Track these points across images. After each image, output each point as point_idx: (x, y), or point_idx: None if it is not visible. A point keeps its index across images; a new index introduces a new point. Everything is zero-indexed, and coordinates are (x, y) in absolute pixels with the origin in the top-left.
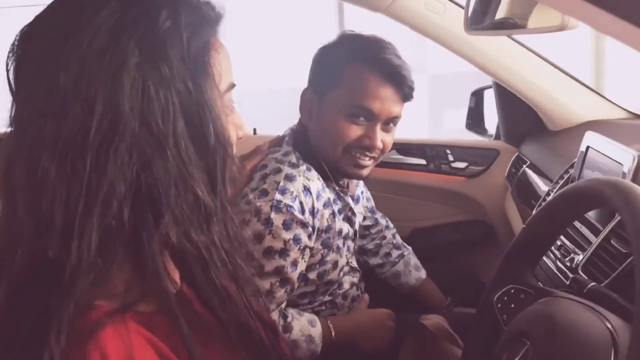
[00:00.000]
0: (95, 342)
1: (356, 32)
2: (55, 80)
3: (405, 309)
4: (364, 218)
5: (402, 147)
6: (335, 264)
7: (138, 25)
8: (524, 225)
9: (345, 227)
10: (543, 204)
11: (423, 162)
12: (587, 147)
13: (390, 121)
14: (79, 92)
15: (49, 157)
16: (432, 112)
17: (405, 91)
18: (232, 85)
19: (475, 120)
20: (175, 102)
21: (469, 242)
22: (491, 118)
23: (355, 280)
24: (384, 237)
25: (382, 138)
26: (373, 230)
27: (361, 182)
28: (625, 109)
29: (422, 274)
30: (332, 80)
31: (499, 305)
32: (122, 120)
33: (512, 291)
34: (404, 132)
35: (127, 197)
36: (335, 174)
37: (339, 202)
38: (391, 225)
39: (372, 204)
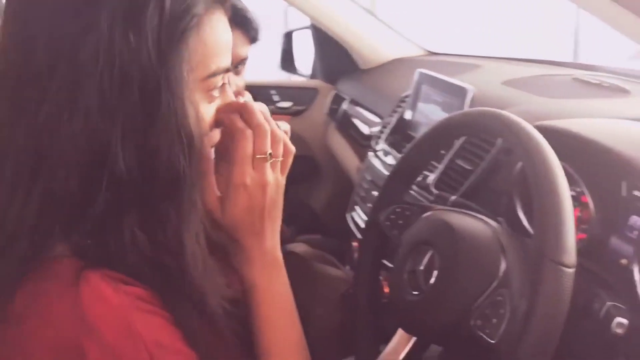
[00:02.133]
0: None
1: None
2: (28, 33)
3: None
4: None
5: None
6: None
7: None
8: (406, 151)
9: None
10: (431, 130)
11: None
12: (420, 84)
13: (239, 64)
14: (47, 49)
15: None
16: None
17: (251, 33)
18: (222, 70)
19: (287, 61)
20: (134, 76)
21: (298, 176)
22: (303, 59)
23: None
24: None
25: (236, 82)
26: None
27: None
28: (421, 47)
29: None
30: None
31: (387, 223)
32: (80, 86)
33: (398, 210)
34: None
35: (76, 165)
36: None
37: None
38: None
39: None
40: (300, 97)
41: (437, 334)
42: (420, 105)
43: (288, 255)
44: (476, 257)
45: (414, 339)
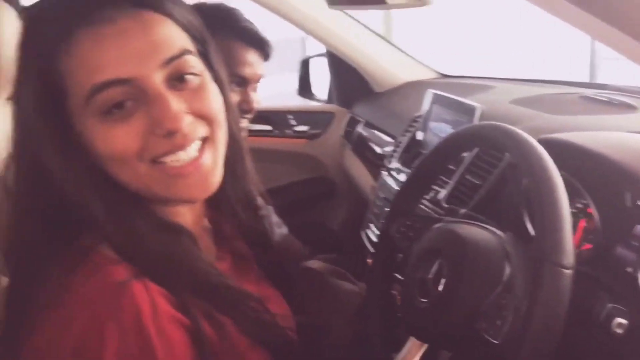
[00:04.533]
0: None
1: (203, 4)
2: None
3: None
4: None
5: None
6: None
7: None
8: (416, 165)
9: None
10: (439, 144)
11: (269, 127)
12: (432, 104)
13: (257, 82)
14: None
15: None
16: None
17: (266, 52)
18: (98, 87)
19: (304, 87)
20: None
21: (315, 197)
22: (320, 84)
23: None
24: None
25: (255, 99)
26: None
27: None
28: (434, 70)
29: (284, 229)
30: None
31: (398, 235)
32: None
33: (408, 222)
34: None
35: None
36: None
37: None
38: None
39: None
40: (317, 121)
41: (445, 338)
42: (432, 125)
43: (305, 271)
44: (482, 264)
45: (425, 346)
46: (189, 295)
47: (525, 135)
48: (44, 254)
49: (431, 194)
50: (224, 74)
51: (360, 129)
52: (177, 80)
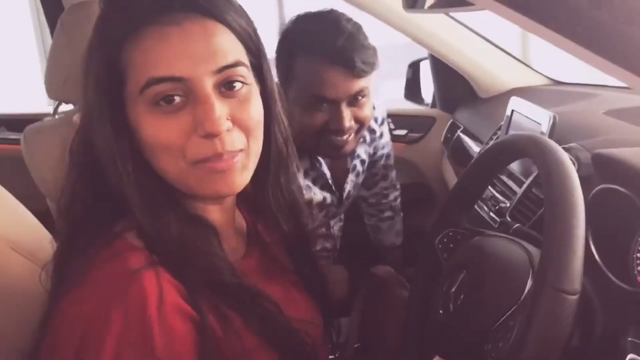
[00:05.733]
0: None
1: (298, 17)
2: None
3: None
4: (376, 174)
5: None
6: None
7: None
8: (460, 177)
9: (321, 195)
10: (479, 156)
11: None
12: (512, 111)
13: (355, 97)
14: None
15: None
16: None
17: (357, 69)
18: (154, 80)
19: (412, 90)
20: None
21: (411, 203)
22: (428, 88)
23: (328, 246)
24: (386, 196)
25: (355, 114)
26: (379, 185)
27: (382, 142)
28: (546, 77)
29: (398, 241)
30: (286, 77)
31: (440, 246)
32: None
33: (450, 234)
34: None
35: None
36: (319, 154)
37: (312, 172)
38: (398, 187)
39: (390, 161)
40: (417, 126)
41: (457, 354)
42: (511, 133)
43: (369, 277)
44: (502, 282)
45: None
46: (200, 289)
47: (555, 149)
48: (84, 234)
49: (497, 207)
50: (274, 88)
51: (457, 135)
52: (225, 86)
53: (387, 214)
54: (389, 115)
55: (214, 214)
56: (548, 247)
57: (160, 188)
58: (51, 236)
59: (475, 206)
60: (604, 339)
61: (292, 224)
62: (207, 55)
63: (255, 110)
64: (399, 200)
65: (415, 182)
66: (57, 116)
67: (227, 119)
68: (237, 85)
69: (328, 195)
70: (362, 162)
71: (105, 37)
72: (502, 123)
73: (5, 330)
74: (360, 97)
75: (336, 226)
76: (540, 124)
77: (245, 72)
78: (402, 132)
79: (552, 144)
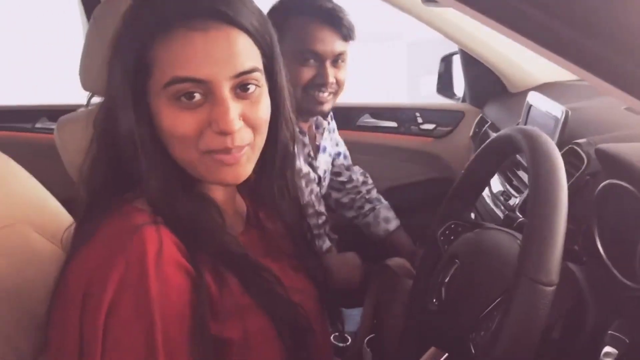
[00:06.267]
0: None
1: None
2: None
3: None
4: (340, 174)
5: (376, 112)
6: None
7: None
8: (462, 171)
9: (306, 168)
10: (480, 150)
11: (394, 124)
12: (530, 106)
13: (337, 58)
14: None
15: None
16: (411, 78)
17: (343, 31)
18: (178, 79)
19: (444, 84)
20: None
21: (439, 197)
22: (461, 82)
23: (319, 222)
24: (359, 192)
25: (335, 75)
26: (348, 186)
27: (336, 138)
28: None
29: (391, 226)
30: (280, 37)
31: (442, 238)
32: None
33: (452, 226)
34: (383, 97)
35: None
36: (301, 114)
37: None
38: (370, 181)
39: (348, 162)
40: (445, 120)
41: (447, 344)
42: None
43: (382, 268)
44: (490, 273)
45: (445, 355)
46: (201, 250)
47: (545, 143)
48: (100, 202)
49: (510, 202)
50: (283, 87)
51: (485, 131)
52: (240, 88)
53: (367, 207)
54: (418, 109)
55: (217, 192)
56: (527, 239)
57: (173, 170)
58: (74, 222)
59: (488, 200)
60: (592, 335)
61: (295, 215)
62: (228, 61)
63: (265, 110)
64: (374, 191)
65: (443, 177)
66: (89, 107)
67: (239, 118)
68: (251, 88)
69: (310, 170)
70: (327, 147)
71: (135, 31)
72: (520, 119)
73: (30, 308)
74: (340, 61)
75: (320, 206)
76: (554, 119)
77: (259, 76)
78: (430, 126)
79: (544, 138)
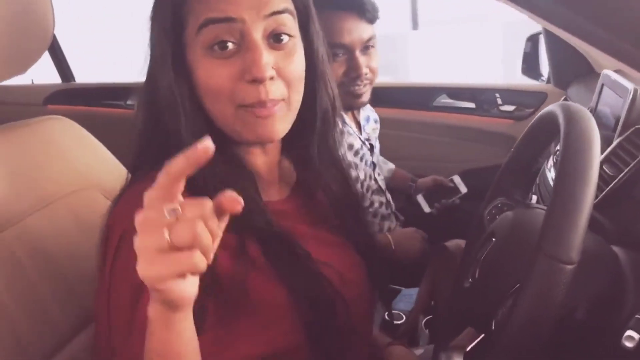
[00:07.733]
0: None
1: None
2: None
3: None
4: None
5: (453, 92)
6: (355, 179)
7: None
8: (512, 149)
9: (353, 140)
10: (529, 127)
11: (472, 105)
12: (602, 85)
13: (367, 45)
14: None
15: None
16: (506, 59)
17: (367, 15)
18: (210, 20)
19: (530, 64)
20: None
21: None
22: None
23: (384, 200)
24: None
25: (367, 64)
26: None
27: (367, 109)
28: None
29: (390, 165)
30: None
31: (488, 217)
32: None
33: (499, 205)
34: (479, 78)
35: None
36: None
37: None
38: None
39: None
40: (527, 101)
41: (477, 323)
42: (600, 109)
43: (440, 249)
44: (523, 251)
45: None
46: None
47: (583, 119)
48: (143, 168)
49: None
50: (320, 46)
51: None
52: (273, 38)
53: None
54: (498, 90)
55: (257, 157)
56: (549, 214)
57: (209, 129)
58: None
59: (551, 182)
60: (623, 320)
61: (340, 183)
62: (260, 1)
63: (299, 64)
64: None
65: None
66: None
67: (272, 67)
68: (285, 38)
69: (357, 141)
70: (368, 116)
71: None
72: (593, 99)
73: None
74: (370, 47)
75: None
76: (623, 98)
77: (292, 22)
78: (510, 107)
79: (583, 114)
